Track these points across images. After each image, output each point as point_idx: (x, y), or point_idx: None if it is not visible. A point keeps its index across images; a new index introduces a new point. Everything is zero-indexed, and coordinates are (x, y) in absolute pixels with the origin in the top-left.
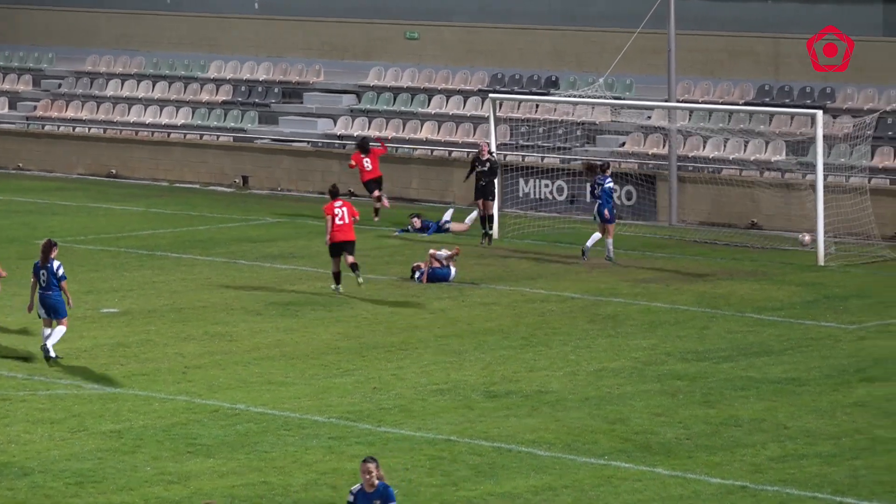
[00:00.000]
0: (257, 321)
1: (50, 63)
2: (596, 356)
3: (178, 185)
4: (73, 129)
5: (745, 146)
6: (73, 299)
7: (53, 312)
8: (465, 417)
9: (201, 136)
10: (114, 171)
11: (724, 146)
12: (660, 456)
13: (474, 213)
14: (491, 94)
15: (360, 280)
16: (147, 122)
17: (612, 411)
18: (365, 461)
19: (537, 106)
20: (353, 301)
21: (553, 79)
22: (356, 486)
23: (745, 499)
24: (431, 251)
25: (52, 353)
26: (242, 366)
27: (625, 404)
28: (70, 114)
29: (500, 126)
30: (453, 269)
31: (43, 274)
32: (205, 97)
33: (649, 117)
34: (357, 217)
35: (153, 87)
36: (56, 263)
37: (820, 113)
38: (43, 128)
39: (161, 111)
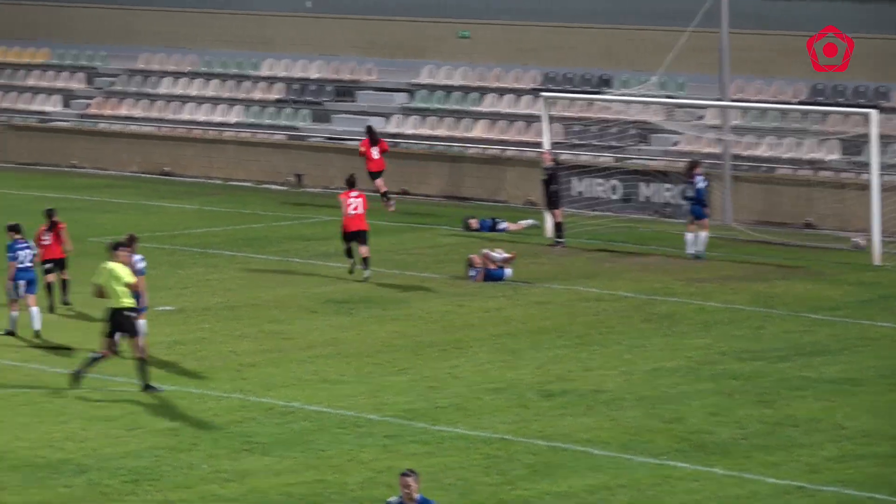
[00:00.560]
0: (312, 319)
1: (103, 61)
2: (651, 355)
3: (231, 183)
4: (127, 127)
5: (799, 146)
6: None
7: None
8: (520, 416)
9: (254, 134)
10: (167, 168)
11: (779, 146)
12: (716, 456)
13: (530, 221)
14: (543, 93)
15: (367, 274)
16: (200, 120)
17: (668, 411)
18: (404, 474)
19: (590, 105)
20: (408, 299)
21: (606, 77)
22: (394, 498)
23: (803, 499)
24: (485, 251)
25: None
26: (297, 364)
27: (681, 403)
28: (123, 111)
29: (554, 125)
30: (509, 271)
31: None
32: (257, 95)
33: (701, 117)
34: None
35: (206, 84)
36: (138, 257)
37: (874, 112)
38: (96, 125)
39: (214, 109)
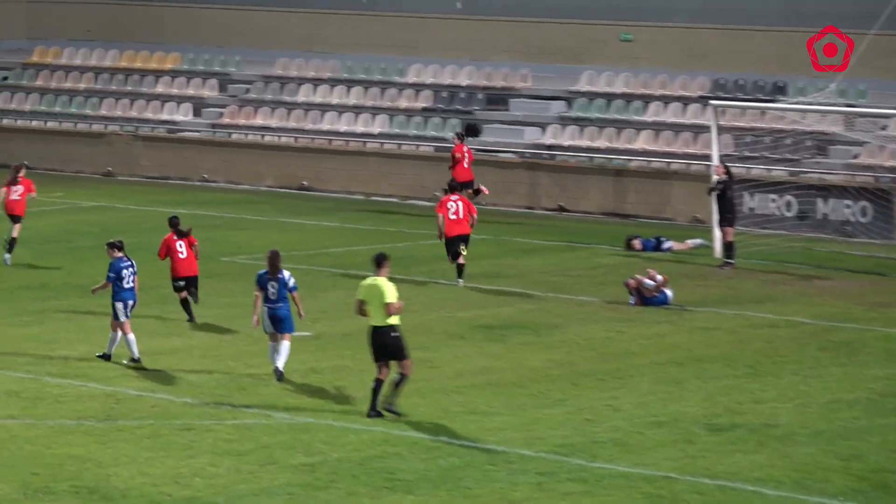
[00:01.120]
0: (460, 346)
1: (237, 66)
2: (828, 386)
3: (374, 198)
4: (262, 138)
5: None
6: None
7: (282, 326)
8: (685, 452)
9: (399, 145)
10: (305, 183)
11: None
12: None
13: (698, 240)
14: (712, 101)
15: (461, 282)
16: (341, 130)
17: (847, 447)
18: None
19: (763, 114)
20: (564, 325)
21: (780, 84)
22: None
23: None
24: (638, 277)
25: (281, 370)
26: (444, 394)
27: (860, 440)
28: (258, 121)
29: (723, 136)
30: (669, 292)
31: (272, 286)
32: (403, 103)
33: (885, 127)
34: (475, 215)
35: (348, 92)
36: (286, 273)
37: None
38: (229, 136)
39: (356, 118)
